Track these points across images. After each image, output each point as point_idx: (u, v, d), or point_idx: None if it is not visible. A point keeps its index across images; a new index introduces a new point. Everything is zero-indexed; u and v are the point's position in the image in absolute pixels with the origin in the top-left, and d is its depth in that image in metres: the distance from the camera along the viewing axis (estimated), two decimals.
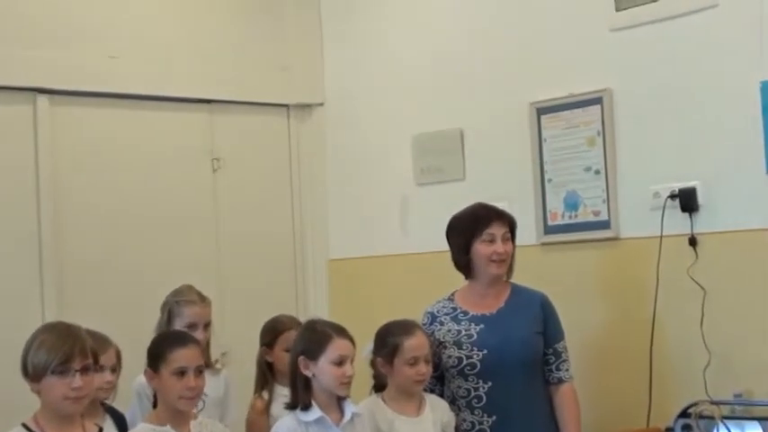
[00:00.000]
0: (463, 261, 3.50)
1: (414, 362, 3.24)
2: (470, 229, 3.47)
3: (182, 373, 2.97)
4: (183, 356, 3.00)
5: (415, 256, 4.62)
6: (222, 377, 3.65)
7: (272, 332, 3.72)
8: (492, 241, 3.44)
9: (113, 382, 3.31)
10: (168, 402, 2.98)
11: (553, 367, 3.47)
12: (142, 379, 3.20)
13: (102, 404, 3.30)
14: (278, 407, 3.46)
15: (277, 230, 4.96)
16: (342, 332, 3.09)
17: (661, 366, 3.75)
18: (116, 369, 3.34)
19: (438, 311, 3.53)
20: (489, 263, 3.44)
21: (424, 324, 3.50)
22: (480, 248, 3.45)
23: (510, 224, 3.51)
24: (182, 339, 3.11)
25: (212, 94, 4.72)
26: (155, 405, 3.07)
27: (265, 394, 3.64)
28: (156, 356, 3.02)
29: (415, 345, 3.26)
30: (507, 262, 3.48)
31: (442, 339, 3.45)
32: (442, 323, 3.49)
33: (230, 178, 4.77)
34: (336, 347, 3.04)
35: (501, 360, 3.37)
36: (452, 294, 3.58)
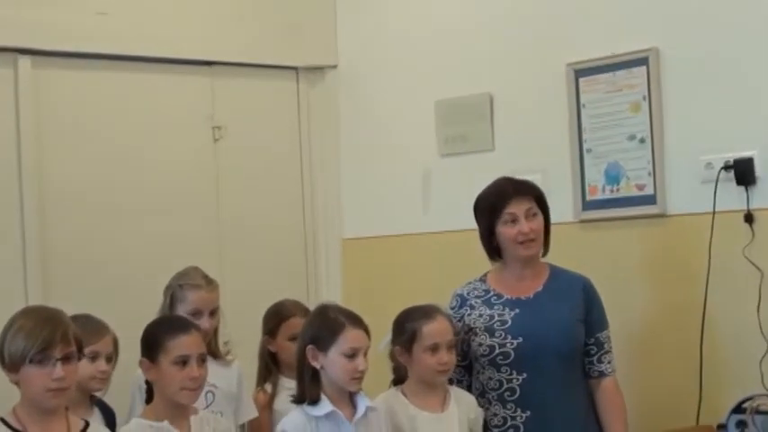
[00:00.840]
0: (490, 244, 3.50)
1: (434, 349, 3.23)
2: (490, 209, 3.46)
3: (183, 362, 2.96)
4: (184, 344, 2.99)
5: (437, 235, 4.61)
6: (235, 369, 3.64)
7: (274, 319, 3.73)
8: (515, 221, 3.41)
9: (108, 372, 3.30)
10: (168, 395, 2.97)
11: (594, 359, 3.45)
12: None
13: (92, 397, 3.29)
14: (282, 401, 3.50)
15: (285, 207, 4.95)
16: (356, 321, 3.07)
17: (712, 357, 3.73)
18: (112, 358, 3.33)
19: (468, 294, 3.52)
20: (516, 245, 3.43)
21: (453, 308, 3.49)
22: (503, 231, 3.43)
23: (536, 196, 3.47)
24: (182, 325, 3.10)
25: (213, 55, 4.70)
26: (149, 399, 3.05)
27: (268, 387, 3.68)
28: (152, 345, 3.00)
29: (436, 330, 3.24)
30: (538, 240, 3.45)
31: (472, 325, 3.44)
32: (472, 307, 3.47)
33: (233, 149, 4.75)
34: (349, 338, 3.02)
35: (537, 349, 3.35)
36: (485, 275, 3.57)
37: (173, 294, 3.55)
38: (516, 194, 3.43)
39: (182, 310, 3.50)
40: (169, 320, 3.29)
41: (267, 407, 3.60)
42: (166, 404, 2.98)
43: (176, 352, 2.96)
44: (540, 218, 3.45)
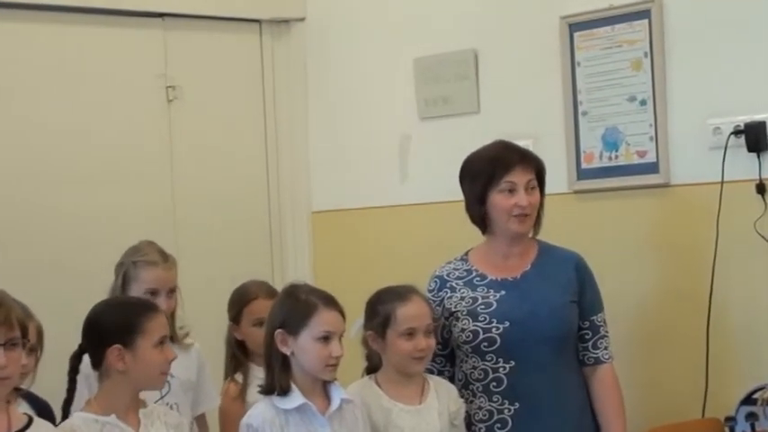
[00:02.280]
0: (478, 213, 3.48)
1: (410, 334, 3.23)
2: (486, 174, 3.44)
3: (161, 343, 2.96)
4: (162, 324, 2.99)
5: (417, 207, 4.63)
6: (194, 354, 3.65)
7: (237, 304, 3.75)
8: (512, 191, 3.40)
9: (30, 366, 3.25)
10: (141, 382, 2.96)
11: (589, 345, 3.46)
12: None
13: (17, 389, 3.25)
14: (255, 392, 3.47)
15: (247, 176, 4.96)
16: (330, 302, 3.08)
17: (720, 342, 3.75)
18: (36, 350, 3.28)
19: (449, 275, 3.51)
20: (509, 218, 3.42)
21: (431, 291, 3.49)
22: (498, 200, 3.42)
23: (537, 169, 3.47)
24: (151, 305, 3.11)
25: (166, 6, 4.69)
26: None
27: (239, 377, 3.68)
28: (127, 329, 2.95)
29: (412, 313, 3.24)
30: (532, 216, 3.45)
31: (453, 309, 3.44)
32: (453, 289, 3.47)
33: (189, 111, 4.76)
34: (322, 321, 3.02)
35: (526, 335, 3.35)
36: (466, 254, 3.56)
37: (126, 272, 3.54)
38: (521, 162, 3.43)
39: (136, 290, 3.49)
40: (136, 302, 3.25)
41: (239, 398, 3.61)
42: (118, 396, 2.95)
43: (157, 333, 2.96)
44: (537, 193, 3.44)
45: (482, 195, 3.44)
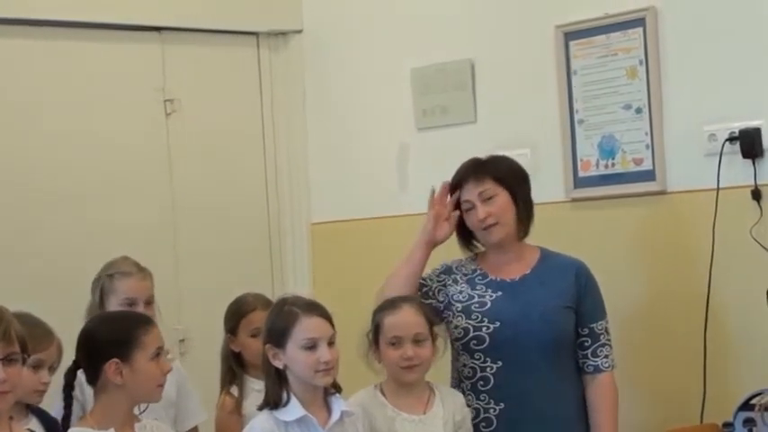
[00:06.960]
0: (462, 235, 3.56)
1: (396, 342, 3.25)
2: (455, 198, 3.53)
3: (158, 355, 2.99)
4: (158, 336, 3.02)
5: (416, 217, 4.52)
6: (173, 371, 3.61)
7: (234, 316, 3.75)
8: (472, 208, 3.47)
9: (49, 384, 3.28)
10: (137, 396, 2.99)
11: (588, 353, 3.46)
12: None
13: (27, 406, 3.27)
14: (251, 404, 3.48)
15: (246, 189, 4.97)
16: (311, 309, 3.08)
17: (717, 348, 3.76)
18: (54, 367, 3.31)
19: (456, 268, 3.57)
20: (480, 232, 3.49)
21: (436, 272, 3.55)
22: (467, 218, 3.50)
23: (496, 176, 3.47)
24: (144, 318, 3.13)
25: (163, 19, 4.70)
26: (68, 406, 3.05)
27: (235, 390, 3.68)
28: (125, 342, 2.98)
29: (397, 322, 3.26)
30: (502, 223, 3.45)
31: (451, 300, 3.48)
32: (455, 281, 3.53)
33: (187, 124, 4.76)
34: (304, 328, 3.03)
35: (515, 336, 3.37)
36: (475, 255, 3.61)
37: (102, 287, 3.57)
38: (467, 179, 3.49)
39: (113, 302, 3.52)
40: (131, 315, 3.29)
41: (235, 411, 3.61)
42: (115, 410, 2.97)
43: (153, 345, 2.98)
44: (500, 199, 3.45)
45: (461, 217, 3.53)
